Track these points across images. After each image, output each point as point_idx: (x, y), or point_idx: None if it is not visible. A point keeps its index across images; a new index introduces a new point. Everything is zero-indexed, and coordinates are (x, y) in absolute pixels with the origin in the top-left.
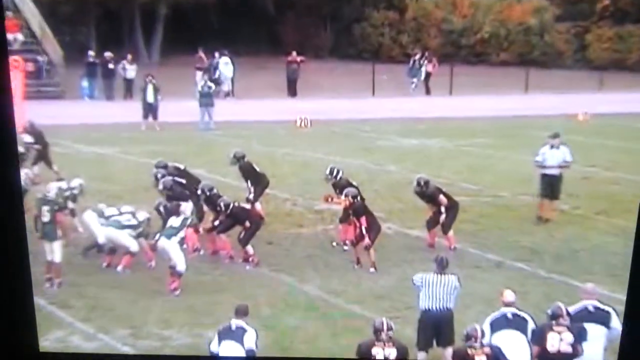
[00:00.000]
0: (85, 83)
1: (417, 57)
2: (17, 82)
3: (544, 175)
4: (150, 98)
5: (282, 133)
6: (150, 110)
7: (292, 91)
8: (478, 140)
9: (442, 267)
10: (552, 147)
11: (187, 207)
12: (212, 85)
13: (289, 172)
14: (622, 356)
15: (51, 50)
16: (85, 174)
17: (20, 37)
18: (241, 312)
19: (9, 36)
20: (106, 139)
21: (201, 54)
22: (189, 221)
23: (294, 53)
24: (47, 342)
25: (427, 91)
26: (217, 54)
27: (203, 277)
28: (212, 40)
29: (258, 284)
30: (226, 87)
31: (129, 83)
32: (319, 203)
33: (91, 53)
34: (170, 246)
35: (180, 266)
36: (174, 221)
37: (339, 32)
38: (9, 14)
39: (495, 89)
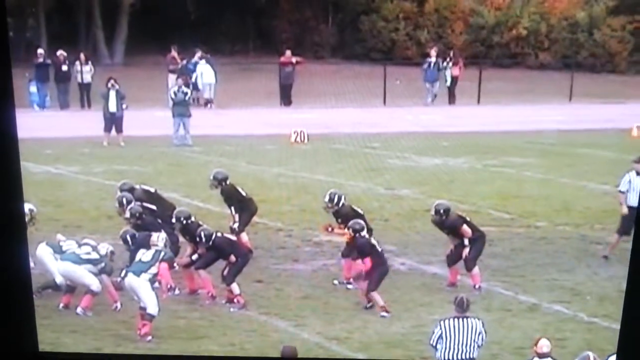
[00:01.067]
0: (33, 88)
1: (434, 56)
2: None
3: (629, 208)
4: (112, 107)
5: (274, 150)
6: (113, 121)
7: (286, 99)
8: (511, 160)
9: (462, 309)
10: (638, 173)
11: (159, 237)
12: (188, 91)
13: (282, 197)
14: None
15: None
16: (36, 198)
17: None
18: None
19: None
20: (61, 157)
21: (174, 53)
22: (161, 255)
23: (289, 52)
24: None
25: (451, 100)
26: (197, 54)
27: (179, 322)
28: (189, 36)
29: (245, 329)
30: (206, 93)
31: (85, 88)
32: (318, 234)
33: (41, 52)
34: (139, 284)
35: (152, 308)
36: (144, 255)
37: (344, 27)
38: None
39: (532, 97)
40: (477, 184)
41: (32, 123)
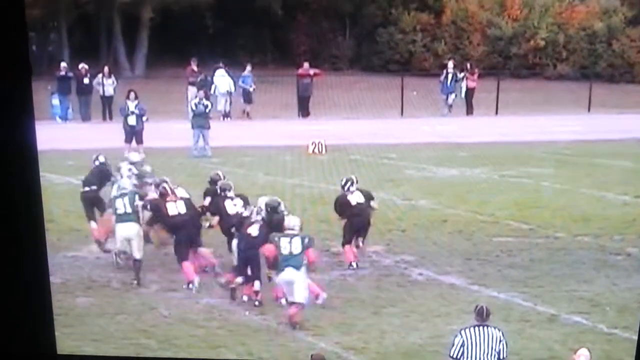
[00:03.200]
0: (55, 101)
1: (451, 67)
2: None
3: None
4: (132, 120)
5: (292, 161)
6: (133, 133)
7: (304, 110)
8: (529, 170)
9: (482, 317)
10: None
11: (293, 221)
12: (209, 103)
13: (300, 208)
14: None
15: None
16: (58, 208)
17: None
18: None
19: None
20: (83, 168)
21: (194, 66)
22: (307, 240)
23: (306, 64)
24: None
25: (469, 110)
26: (218, 67)
27: (198, 331)
28: (208, 49)
29: (263, 338)
30: (220, 105)
31: (107, 101)
32: (336, 244)
33: (63, 65)
34: (299, 277)
35: (305, 298)
36: (293, 247)
37: (361, 39)
38: None
39: (551, 108)
40: (495, 195)
41: (54, 135)
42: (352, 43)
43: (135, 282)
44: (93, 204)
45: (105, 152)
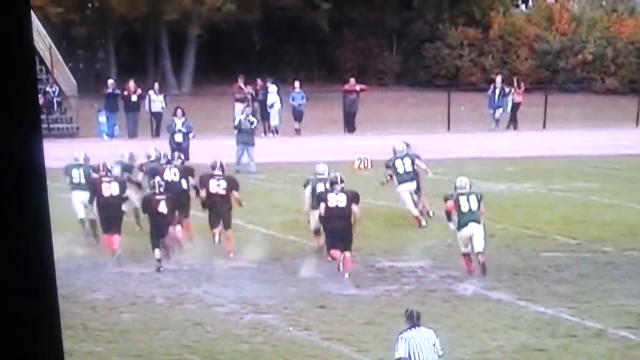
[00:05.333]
0: (102, 118)
1: (499, 82)
2: None
3: None
4: (179, 137)
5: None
6: (179, 149)
7: (350, 126)
8: (577, 184)
9: (413, 320)
10: None
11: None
12: (255, 120)
13: None
14: None
15: (62, 79)
16: None
17: None
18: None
19: None
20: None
21: (241, 82)
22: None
23: (352, 80)
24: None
25: (515, 125)
26: (267, 84)
27: (242, 346)
28: (255, 66)
29: (307, 354)
30: (271, 121)
31: (156, 117)
32: (380, 259)
33: (111, 82)
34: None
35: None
36: (471, 203)
37: (408, 54)
38: None
39: (599, 122)
40: (542, 209)
41: (101, 152)
42: (398, 58)
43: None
44: None
45: None
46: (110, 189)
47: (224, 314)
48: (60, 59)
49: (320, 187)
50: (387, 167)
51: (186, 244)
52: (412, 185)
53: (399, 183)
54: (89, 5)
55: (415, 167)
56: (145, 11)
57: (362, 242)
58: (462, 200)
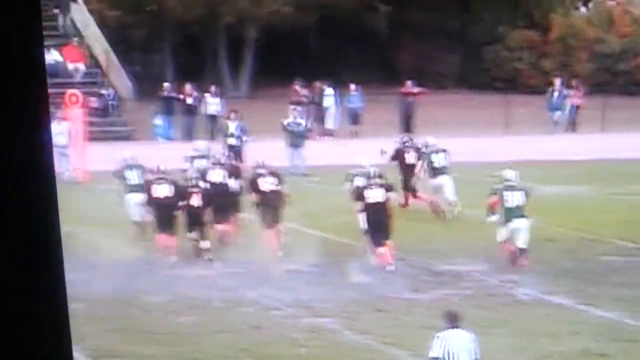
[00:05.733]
0: (158, 121)
1: (558, 85)
2: (76, 120)
3: None
4: (233, 139)
5: (394, 179)
6: (233, 152)
7: (407, 128)
8: (636, 188)
9: (453, 321)
10: None
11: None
12: (302, 122)
13: (402, 226)
14: None
15: (118, 82)
16: None
17: (81, 67)
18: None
19: (70, 66)
20: None
21: (297, 85)
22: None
23: (410, 83)
24: None
25: (573, 128)
26: (323, 86)
27: (300, 350)
28: (312, 69)
29: (364, 357)
30: (327, 124)
31: (212, 120)
32: (438, 263)
33: (167, 86)
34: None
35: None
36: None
37: (467, 57)
38: (72, 40)
39: None
40: (601, 213)
41: (156, 155)
42: (457, 61)
43: None
44: None
45: None
46: (163, 190)
47: (281, 317)
48: (117, 62)
49: (507, 195)
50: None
51: (239, 244)
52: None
53: (435, 176)
54: (147, 8)
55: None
56: (202, 14)
57: (420, 246)
58: (508, 195)
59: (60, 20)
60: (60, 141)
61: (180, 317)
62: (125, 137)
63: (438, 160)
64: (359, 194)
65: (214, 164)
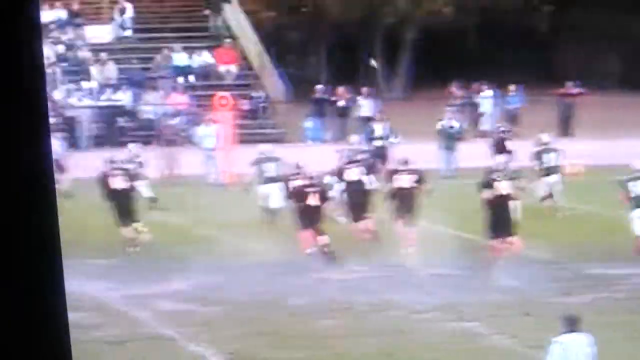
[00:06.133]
0: (309, 124)
1: None
2: (225, 122)
3: None
4: (379, 141)
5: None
6: (379, 154)
7: (566, 130)
8: None
9: (572, 324)
10: None
11: None
12: (456, 124)
13: (557, 230)
14: None
15: (271, 85)
16: None
17: (233, 69)
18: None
19: (221, 68)
20: None
21: (455, 87)
22: None
23: (570, 84)
24: None
25: None
26: (481, 87)
27: (444, 355)
28: (469, 70)
29: None
30: (484, 126)
31: (363, 122)
32: (591, 266)
33: (319, 88)
34: None
35: None
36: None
37: (630, 58)
38: (224, 42)
39: None
40: None
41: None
42: (619, 62)
43: None
44: None
45: None
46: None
47: (426, 321)
48: (270, 64)
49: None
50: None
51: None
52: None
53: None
54: (302, 9)
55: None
56: (361, 15)
57: (575, 250)
58: (632, 185)
59: (212, 21)
60: (208, 143)
61: (322, 321)
62: (276, 140)
63: (550, 159)
64: None
65: (350, 162)
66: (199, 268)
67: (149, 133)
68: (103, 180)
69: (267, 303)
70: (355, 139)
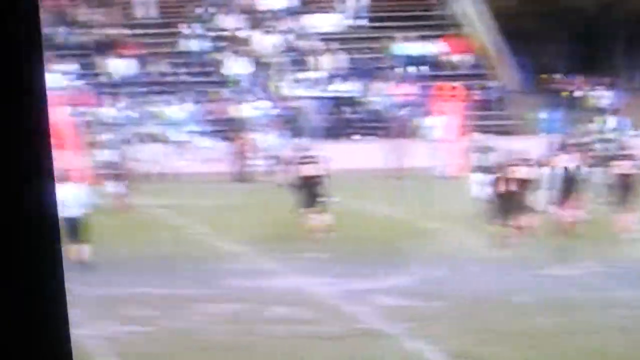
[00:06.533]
0: (543, 115)
1: None
2: (454, 113)
3: None
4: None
5: None
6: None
7: None
8: None
9: None
10: None
11: None
12: None
13: None
14: None
15: (506, 75)
16: None
17: (467, 58)
18: None
19: (455, 58)
20: None
21: None
22: None
23: None
24: None
25: None
26: None
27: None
28: None
29: None
30: None
31: (599, 113)
32: None
33: (556, 77)
34: None
35: None
36: None
37: None
38: (459, 30)
39: None
40: None
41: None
42: None
43: None
44: None
45: None
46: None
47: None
48: (505, 53)
49: None
50: None
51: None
52: None
53: None
54: None
55: None
56: (606, 3)
57: None
58: None
59: (446, 9)
60: (436, 135)
61: (544, 319)
62: (509, 132)
63: None
64: None
65: (560, 149)
66: (419, 263)
67: (375, 125)
68: (295, 168)
69: (487, 299)
70: (591, 129)
